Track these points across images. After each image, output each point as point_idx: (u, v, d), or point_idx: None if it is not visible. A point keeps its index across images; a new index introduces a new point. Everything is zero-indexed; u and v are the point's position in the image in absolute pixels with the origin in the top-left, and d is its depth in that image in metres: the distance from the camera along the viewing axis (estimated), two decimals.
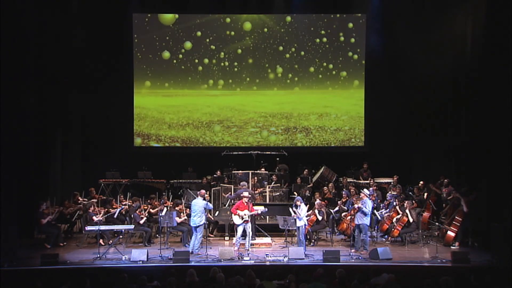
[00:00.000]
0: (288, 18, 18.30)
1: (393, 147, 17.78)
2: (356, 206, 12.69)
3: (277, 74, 18.44)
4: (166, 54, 18.30)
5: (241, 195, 13.02)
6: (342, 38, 18.30)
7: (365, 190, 13.24)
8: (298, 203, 12.77)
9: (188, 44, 18.30)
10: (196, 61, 18.33)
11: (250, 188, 14.61)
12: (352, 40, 18.32)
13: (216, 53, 18.35)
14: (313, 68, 18.41)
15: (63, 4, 16.20)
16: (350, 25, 18.29)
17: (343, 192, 14.76)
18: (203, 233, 12.67)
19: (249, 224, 12.77)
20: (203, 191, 13.13)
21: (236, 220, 12.65)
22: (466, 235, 13.26)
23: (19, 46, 13.46)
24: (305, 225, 12.77)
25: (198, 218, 12.48)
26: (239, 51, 18.37)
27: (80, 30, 16.95)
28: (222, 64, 18.38)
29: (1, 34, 12.67)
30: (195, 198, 13.09)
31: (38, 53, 14.75)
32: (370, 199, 13.07)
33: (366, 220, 12.63)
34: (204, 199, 12.81)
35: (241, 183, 14.40)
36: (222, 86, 18.46)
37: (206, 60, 18.35)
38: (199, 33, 18.26)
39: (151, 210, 13.81)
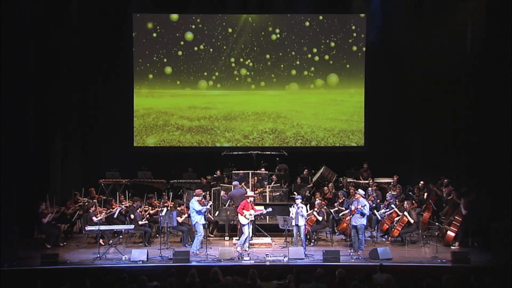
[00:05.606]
0: (288, 18, 18.30)
1: (393, 147, 17.77)
2: (353, 207, 12.62)
3: (276, 73, 18.44)
4: (166, 54, 18.29)
5: (245, 195, 13.06)
6: (341, 38, 18.29)
7: (360, 191, 13.09)
8: (298, 201, 12.80)
9: (188, 44, 18.30)
10: (196, 61, 18.33)
11: (250, 189, 14.58)
12: (352, 40, 18.32)
13: (216, 53, 18.34)
14: (313, 68, 18.41)
15: (63, 4, 16.20)
16: (350, 25, 18.27)
17: (340, 193, 14.72)
18: (202, 233, 12.65)
19: (250, 225, 12.79)
20: (198, 190, 13.17)
21: (243, 220, 12.64)
22: (466, 235, 13.25)
23: (19, 46, 13.45)
24: (304, 225, 12.79)
25: (192, 218, 12.61)
26: (239, 51, 18.36)
27: (80, 29, 16.93)
28: (222, 63, 18.37)
29: (1, 33, 12.67)
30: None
31: (37, 54, 14.73)
32: (365, 198, 12.93)
33: (364, 221, 12.60)
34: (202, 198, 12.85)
35: (234, 183, 14.38)
36: (223, 86, 18.47)
37: (209, 62, 18.35)
38: (199, 33, 18.26)
39: (150, 211, 13.79)
